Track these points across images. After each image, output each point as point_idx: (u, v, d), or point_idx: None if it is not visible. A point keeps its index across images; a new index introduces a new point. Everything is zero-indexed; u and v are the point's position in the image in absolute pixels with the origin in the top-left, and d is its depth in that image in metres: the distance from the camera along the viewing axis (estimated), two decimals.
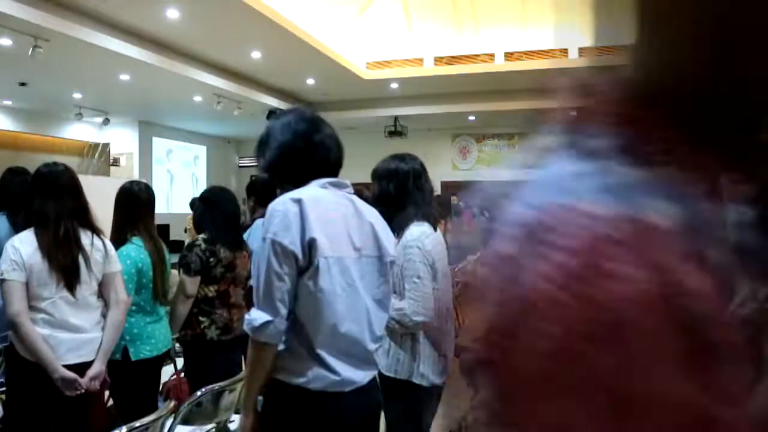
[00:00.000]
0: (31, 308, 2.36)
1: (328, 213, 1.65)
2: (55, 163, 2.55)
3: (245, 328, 1.62)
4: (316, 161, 1.72)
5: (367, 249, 1.72)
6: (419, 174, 2.43)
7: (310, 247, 1.58)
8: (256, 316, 1.59)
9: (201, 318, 3.09)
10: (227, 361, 3.08)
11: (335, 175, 1.77)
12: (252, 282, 1.68)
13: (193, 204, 3.19)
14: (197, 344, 3.08)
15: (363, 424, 1.71)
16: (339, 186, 1.74)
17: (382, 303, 1.77)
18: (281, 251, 1.57)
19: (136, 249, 2.82)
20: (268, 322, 1.57)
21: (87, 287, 2.47)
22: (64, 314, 2.39)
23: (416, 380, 2.36)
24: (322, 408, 1.62)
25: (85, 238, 2.49)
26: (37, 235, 2.40)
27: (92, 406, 2.51)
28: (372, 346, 1.72)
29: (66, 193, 2.47)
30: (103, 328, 2.53)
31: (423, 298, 2.28)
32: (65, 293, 2.41)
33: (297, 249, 1.58)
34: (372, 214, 1.79)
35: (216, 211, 3.19)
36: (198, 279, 3.08)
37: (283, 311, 1.59)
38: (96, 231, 2.55)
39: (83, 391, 2.41)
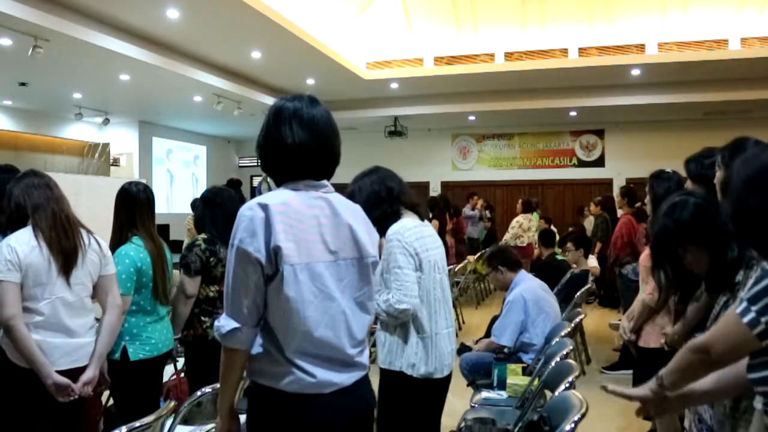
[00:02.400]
0: (25, 310, 2.30)
1: (298, 217, 1.61)
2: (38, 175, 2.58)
3: (215, 334, 1.62)
4: (297, 165, 1.67)
5: (345, 251, 1.68)
6: (384, 171, 2.50)
7: (275, 254, 1.56)
8: (225, 323, 1.59)
9: (203, 318, 3.09)
10: None
11: (320, 176, 1.70)
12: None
13: (194, 204, 3.18)
14: (199, 344, 3.08)
15: (349, 426, 1.67)
16: (314, 187, 1.68)
17: (364, 305, 1.72)
18: (246, 259, 1.56)
19: (135, 249, 2.81)
20: (236, 329, 1.57)
21: (83, 288, 2.44)
22: (60, 316, 2.36)
23: (407, 371, 2.36)
24: (300, 410, 1.60)
25: (83, 235, 2.48)
26: (35, 224, 2.36)
27: (85, 412, 2.48)
28: (351, 351, 1.67)
29: (55, 188, 2.50)
30: (96, 333, 2.49)
31: (405, 287, 2.31)
32: (63, 294, 2.37)
33: (262, 257, 1.56)
34: (352, 215, 1.73)
35: (217, 211, 3.20)
36: (198, 279, 3.08)
37: (251, 318, 1.58)
38: (88, 230, 2.54)
39: (76, 396, 2.37)
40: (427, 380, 2.39)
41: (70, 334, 2.39)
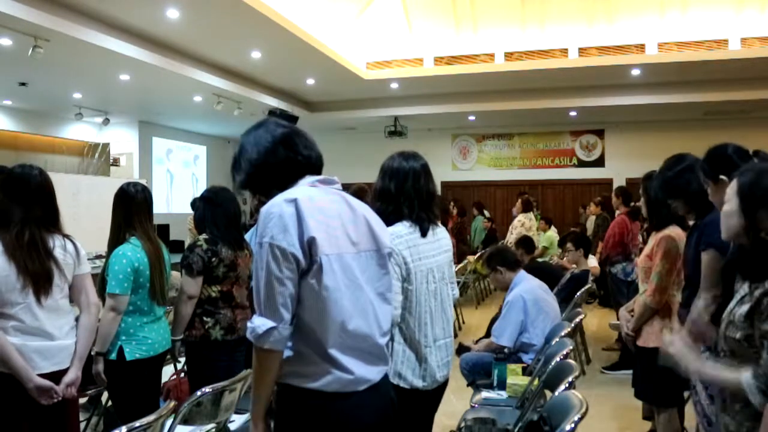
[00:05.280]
0: (1, 316, 2.26)
1: (323, 211, 1.63)
2: (30, 166, 2.47)
3: (248, 335, 1.59)
4: (299, 163, 1.72)
5: (365, 243, 1.72)
6: (419, 175, 2.39)
7: (310, 246, 1.57)
8: (259, 323, 1.56)
9: (205, 318, 3.10)
10: (230, 361, 3.08)
11: (319, 173, 1.76)
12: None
13: (194, 204, 3.18)
14: (201, 345, 3.09)
15: (379, 422, 1.69)
16: (328, 183, 1.73)
17: (385, 296, 1.76)
18: (281, 254, 1.55)
19: (132, 249, 2.80)
20: (272, 329, 1.55)
21: (58, 290, 2.40)
22: (36, 320, 2.31)
23: (393, 380, 2.28)
24: (338, 409, 1.60)
25: (56, 241, 2.42)
26: (1, 238, 2.31)
27: (68, 413, 2.46)
28: (382, 340, 1.71)
29: (35, 198, 2.39)
30: (76, 334, 2.46)
31: None
32: (34, 298, 2.31)
33: (297, 250, 1.56)
34: (364, 208, 1.79)
35: (218, 210, 3.20)
36: (200, 279, 3.08)
37: (287, 316, 1.56)
38: (64, 234, 2.47)
39: (60, 398, 2.34)
40: (415, 391, 2.32)
41: (50, 337, 2.35)
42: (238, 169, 1.75)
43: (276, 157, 1.71)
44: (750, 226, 1.70)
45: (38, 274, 2.32)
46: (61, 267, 2.40)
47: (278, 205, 1.59)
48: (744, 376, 1.60)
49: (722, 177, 2.40)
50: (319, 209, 1.62)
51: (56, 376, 2.36)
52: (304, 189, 1.67)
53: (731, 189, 1.78)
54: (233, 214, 3.25)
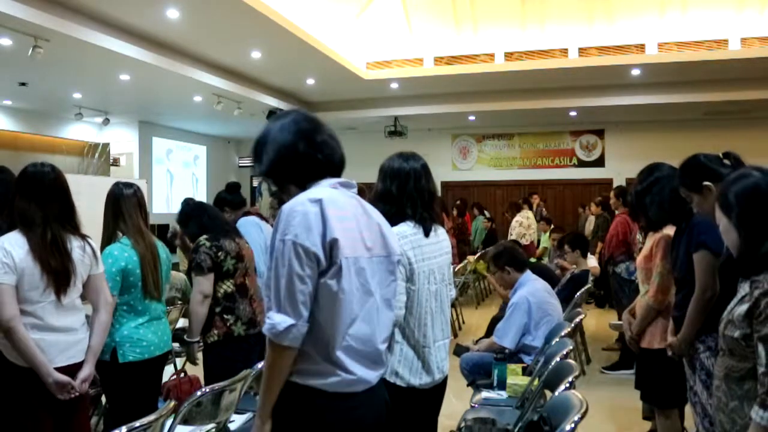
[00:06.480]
0: (21, 312, 2.29)
1: (343, 213, 1.65)
2: (42, 164, 2.48)
3: (266, 332, 1.58)
4: (320, 162, 1.71)
5: (377, 249, 1.73)
6: (420, 175, 2.39)
7: (331, 247, 1.58)
8: (279, 320, 1.55)
9: (226, 316, 3.14)
10: (245, 361, 3.06)
11: (339, 175, 1.76)
12: (269, 284, 1.63)
13: (184, 221, 3.30)
14: (224, 343, 3.10)
15: (376, 423, 1.71)
16: (348, 186, 1.75)
17: (390, 302, 1.77)
18: (303, 253, 1.56)
19: (120, 248, 2.78)
20: (292, 326, 1.55)
21: (74, 290, 2.44)
22: (51, 318, 2.35)
23: (390, 379, 2.29)
24: (338, 409, 1.61)
25: (74, 241, 2.45)
26: (26, 237, 2.35)
27: (81, 408, 2.50)
28: (381, 346, 1.72)
29: (51, 196, 2.42)
30: (88, 329, 2.50)
31: None
32: (53, 297, 2.36)
33: (319, 250, 1.57)
34: (377, 214, 1.81)
35: (203, 218, 3.32)
36: (212, 276, 3.13)
37: (305, 314, 1.57)
38: (82, 235, 2.50)
39: (77, 394, 2.38)
40: (412, 389, 2.33)
41: (66, 332, 2.40)
42: (260, 155, 1.74)
43: (296, 151, 1.70)
44: (741, 233, 1.73)
45: (60, 273, 2.37)
46: (76, 267, 2.44)
47: (303, 203, 1.60)
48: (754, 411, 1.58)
49: (705, 183, 2.42)
50: (341, 211, 1.64)
51: (71, 370, 2.39)
52: (327, 190, 1.67)
53: (717, 211, 1.80)
54: (216, 212, 3.39)
